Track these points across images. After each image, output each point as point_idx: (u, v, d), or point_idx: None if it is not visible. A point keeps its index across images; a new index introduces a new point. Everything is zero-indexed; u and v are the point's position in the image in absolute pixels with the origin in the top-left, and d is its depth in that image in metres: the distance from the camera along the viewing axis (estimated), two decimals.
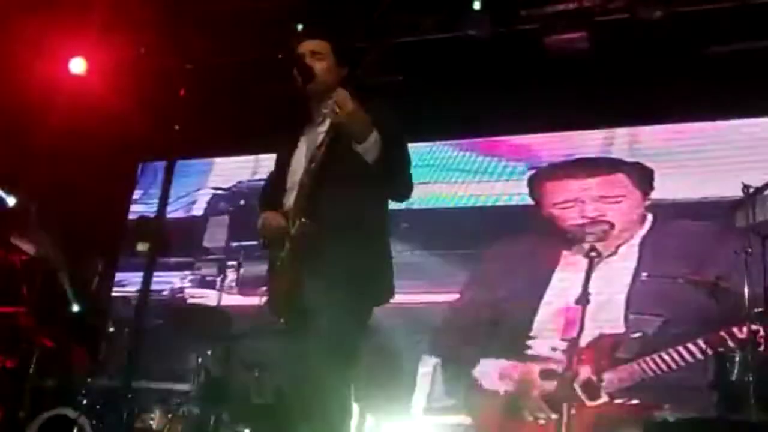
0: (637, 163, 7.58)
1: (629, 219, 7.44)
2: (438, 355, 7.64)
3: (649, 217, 7.43)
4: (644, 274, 7.12)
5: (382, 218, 3.99)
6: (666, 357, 6.53)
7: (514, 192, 8.03)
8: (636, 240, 7.36)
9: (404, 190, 4.00)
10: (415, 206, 8.07)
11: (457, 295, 7.82)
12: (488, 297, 7.65)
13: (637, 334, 6.94)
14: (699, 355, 6.35)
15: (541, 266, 7.50)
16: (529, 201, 7.88)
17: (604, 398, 6.58)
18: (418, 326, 7.66)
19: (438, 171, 8.33)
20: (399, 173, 3.90)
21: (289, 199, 3.92)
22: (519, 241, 7.81)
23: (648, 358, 6.63)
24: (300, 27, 7.48)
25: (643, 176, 7.51)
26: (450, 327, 7.76)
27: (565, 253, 7.41)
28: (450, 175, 8.32)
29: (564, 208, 7.65)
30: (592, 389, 6.56)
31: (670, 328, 6.81)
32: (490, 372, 7.32)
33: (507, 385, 7.19)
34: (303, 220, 3.74)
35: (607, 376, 6.69)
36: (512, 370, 7.25)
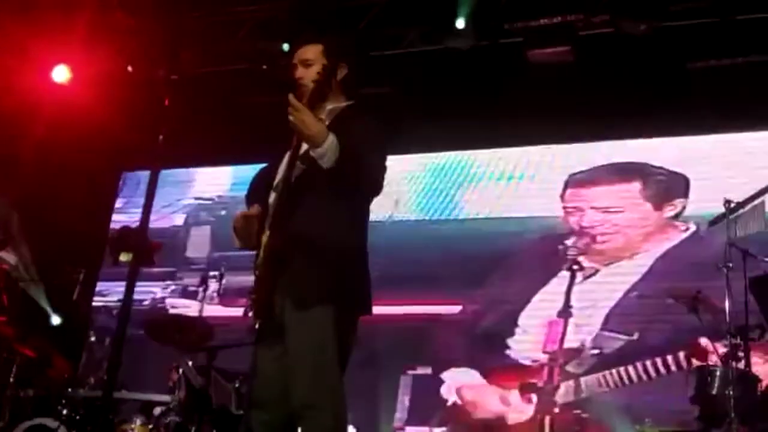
0: (666, 172, 7.58)
1: (631, 232, 7.47)
2: (425, 366, 7.66)
3: (672, 232, 7.42)
4: (634, 293, 7.19)
5: (360, 228, 3.95)
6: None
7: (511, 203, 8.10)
8: (648, 254, 7.38)
9: (366, 192, 3.90)
10: (408, 217, 8.13)
11: (457, 307, 7.83)
12: (490, 309, 7.69)
13: (594, 351, 7.02)
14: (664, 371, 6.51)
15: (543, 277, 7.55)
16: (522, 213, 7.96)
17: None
18: (407, 337, 7.68)
19: (436, 180, 8.37)
20: (358, 177, 3.77)
21: (272, 199, 3.89)
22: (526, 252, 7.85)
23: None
24: (286, 47, 7.48)
25: (662, 188, 7.52)
26: (446, 339, 7.77)
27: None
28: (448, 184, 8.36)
29: (567, 214, 7.72)
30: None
31: (635, 348, 6.93)
32: (471, 385, 7.37)
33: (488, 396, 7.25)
34: (269, 232, 3.73)
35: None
36: (494, 382, 7.31)
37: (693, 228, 7.31)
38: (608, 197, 7.69)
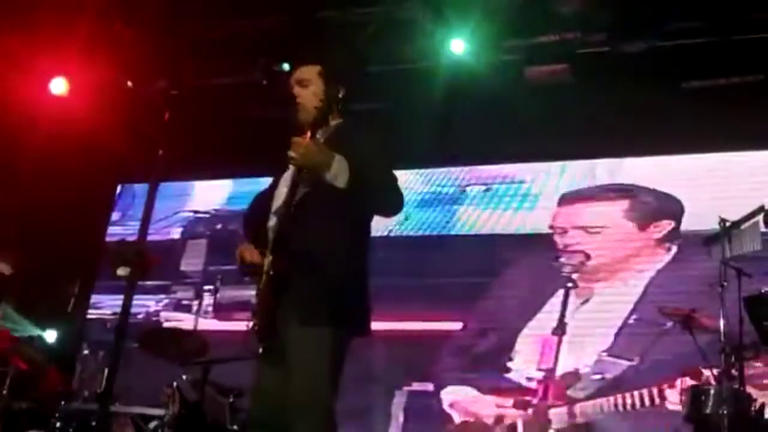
0: (657, 194, 7.61)
1: (615, 252, 7.47)
2: (423, 382, 7.65)
3: (662, 252, 7.43)
4: (634, 317, 7.18)
5: (363, 250, 3.96)
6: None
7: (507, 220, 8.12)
8: (640, 276, 7.37)
9: (390, 205, 3.89)
10: (406, 233, 8.13)
11: (458, 324, 7.82)
12: (487, 327, 7.68)
13: (595, 376, 7.01)
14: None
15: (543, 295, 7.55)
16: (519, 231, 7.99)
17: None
18: (404, 354, 7.67)
19: (433, 196, 8.40)
20: (378, 190, 3.79)
21: (272, 223, 3.90)
22: (524, 269, 7.85)
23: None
24: (286, 66, 7.48)
25: (649, 210, 7.53)
26: (445, 356, 7.75)
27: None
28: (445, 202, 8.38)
29: (554, 235, 7.73)
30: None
31: (635, 372, 6.93)
32: (467, 402, 7.36)
33: (482, 414, 7.24)
34: (272, 257, 3.74)
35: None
36: (489, 399, 7.29)
37: (675, 249, 7.33)
38: (591, 217, 7.70)
